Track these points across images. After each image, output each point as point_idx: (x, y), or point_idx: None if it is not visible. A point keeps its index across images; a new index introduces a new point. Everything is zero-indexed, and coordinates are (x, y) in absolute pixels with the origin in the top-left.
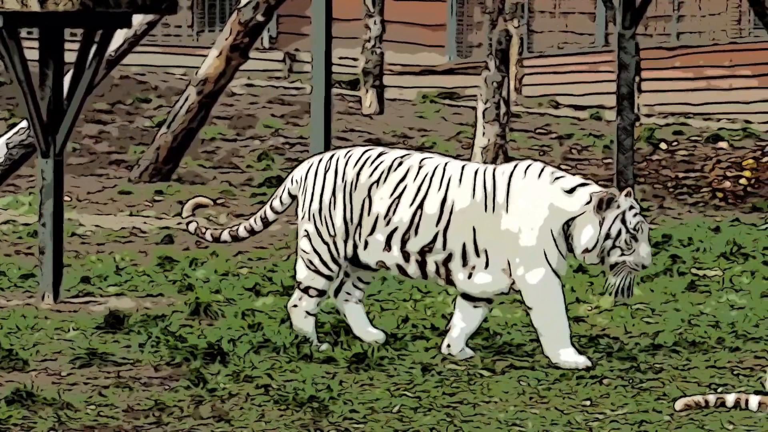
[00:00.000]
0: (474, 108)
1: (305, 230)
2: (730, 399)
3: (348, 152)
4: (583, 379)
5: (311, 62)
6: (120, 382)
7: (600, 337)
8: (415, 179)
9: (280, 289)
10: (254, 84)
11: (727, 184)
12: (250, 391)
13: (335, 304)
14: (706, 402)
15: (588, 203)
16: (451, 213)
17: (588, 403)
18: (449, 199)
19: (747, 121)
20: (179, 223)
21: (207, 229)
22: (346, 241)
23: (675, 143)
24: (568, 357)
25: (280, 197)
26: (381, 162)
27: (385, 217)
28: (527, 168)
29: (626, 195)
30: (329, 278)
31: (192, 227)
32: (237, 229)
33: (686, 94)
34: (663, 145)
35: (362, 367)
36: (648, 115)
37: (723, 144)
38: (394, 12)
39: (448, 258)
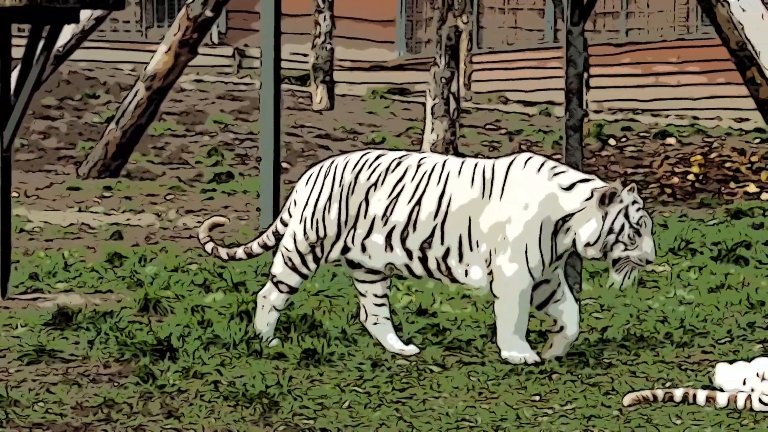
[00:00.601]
0: (423, 104)
1: (293, 231)
2: (678, 394)
3: (346, 158)
4: (532, 374)
5: (260, 58)
6: (68, 379)
7: (549, 332)
8: (413, 178)
9: (230, 285)
10: (203, 80)
11: (675, 179)
12: (200, 387)
13: (365, 327)
14: (654, 397)
15: (588, 199)
16: (449, 205)
17: (537, 398)
18: (447, 192)
19: (695, 117)
20: (129, 220)
21: (223, 248)
22: (334, 244)
23: (624, 139)
24: (517, 352)
25: (288, 209)
26: (379, 164)
27: (383, 217)
28: (527, 160)
29: (629, 190)
30: (304, 277)
31: (209, 248)
32: (251, 246)
33: (635, 90)
34: (612, 141)
35: (312, 362)
36: (597, 111)
37: (671, 140)
38: (343, 8)
39: (446, 253)
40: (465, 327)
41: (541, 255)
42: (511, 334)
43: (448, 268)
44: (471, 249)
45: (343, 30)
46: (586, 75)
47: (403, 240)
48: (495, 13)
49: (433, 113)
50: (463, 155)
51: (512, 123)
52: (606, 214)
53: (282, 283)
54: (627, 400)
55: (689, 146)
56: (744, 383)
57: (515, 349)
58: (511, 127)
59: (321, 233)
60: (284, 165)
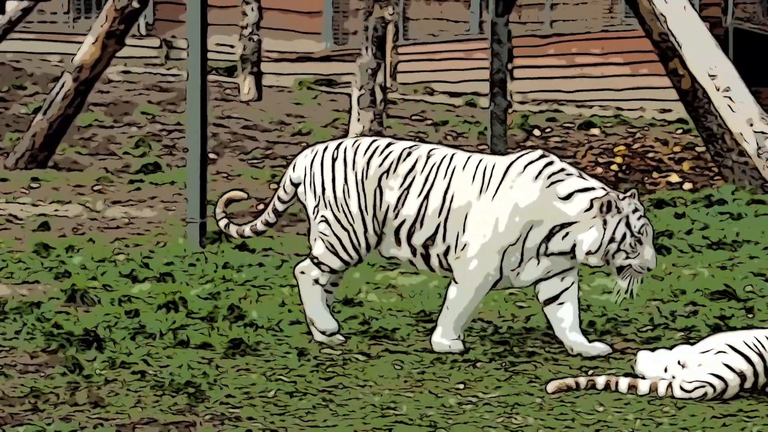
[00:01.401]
0: (350, 95)
1: (323, 216)
2: (600, 381)
3: (355, 141)
4: (456, 362)
5: (187, 49)
6: None
7: (473, 321)
8: (422, 170)
9: (157, 275)
10: (131, 71)
11: (599, 170)
12: (127, 377)
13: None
14: (577, 384)
15: (588, 210)
16: (451, 203)
17: (462, 386)
18: (451, 189)
19: (619, 108)
20: (56, 210)
21: (233, 226)
22: (366, 233)
23: (548, 130)
24: (447, 341)
25: (284, 186)
26: (390, 152)
27: (394, 210)
28: (528, 164)
29: (630, 197)
30: (346, 263)
31: (222, 224)
32: (256, 224)
33: (559, 81)
34: (536, 132)
35: (238, 352)
36: (522, 102)
37: (595, 131)
38: None
39: (447, 251)
40: (390, 316)
41: (521, 256)
42: (451, 321)
43: (449, 265)
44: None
45: (270, 21)
46: (510, 66)
47: (410, 236)
48: (421, 4)
49: (359, 104)
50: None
51: (438, 114)
52: (606, 222)
53: (323, 264)
54: (550, 387)
55: (613, 137)
56: (665, 371)
57: (446, 337)
58: (437, 118)
59: (350, 220)
60: (211, 156)
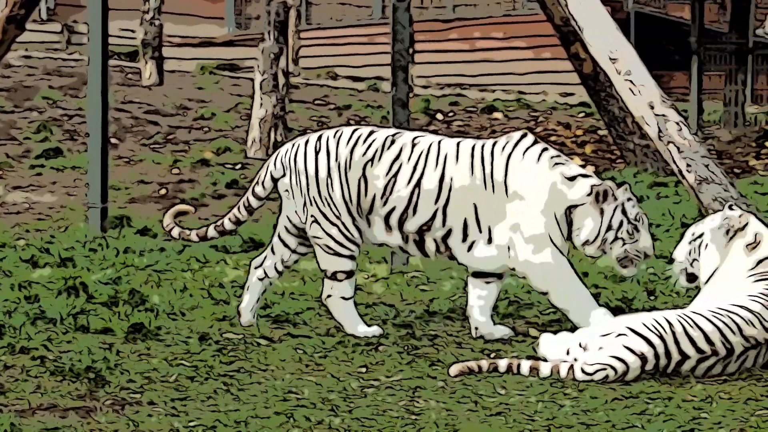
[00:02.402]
0: (252, 79)
1: (312, 216)
2: (502, 364)
3: (337, 132)
4: (359, 346)
5: (88, 34)
6: None
7: (376, 304)
8: (409, 158)
9: (58, 260)
10: (32, 56)
11: None
12: (26, 362)
13: (250, 274)
14: (480, 367)
15: (589, 194)
16: (450, 190)
17: (364, 369)
18: (447, 176)
19: (521, 92)
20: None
21: (191, 230)
22: (353, 222)
23: (451, 114)
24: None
25: (263, 182)
26: (373, 140)
27: (382, 197)
28: (527, 149)
29: (624, 185)
30: (351, 258)
31: (176, 233)
32: (222, 223)
33: (462, 65)
34: (439, 116)
35: (139, 337)
36: (425, 87)
37: (498, 114)
38: None
39: (447, 235)
40: (292, 300)
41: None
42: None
43: (448, 248)
44: (480, 231)
45: (172, 6)
46: (412, 50)
47: (401, 223)
48: None
49: (262, 89)
50: (291, 130)
51: (341, 98)
52: (603, 211)
53: (336, 273)
54: (452, 371)
55: (515, 120)
56: (567, 353)
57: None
58: (339, 102)
59: (336, 212)
60: (113, 141)
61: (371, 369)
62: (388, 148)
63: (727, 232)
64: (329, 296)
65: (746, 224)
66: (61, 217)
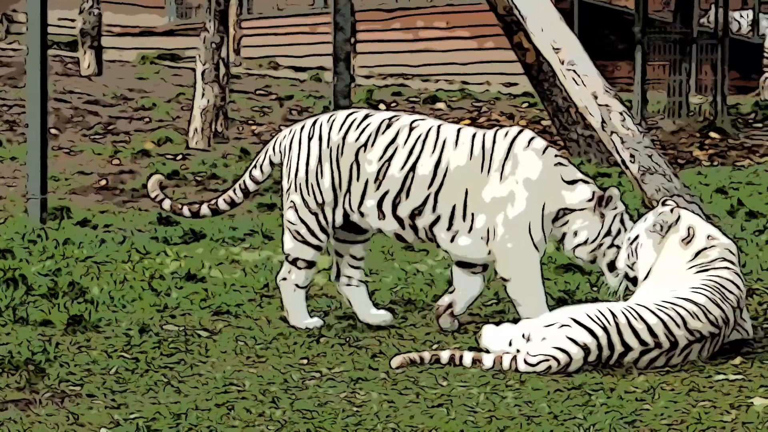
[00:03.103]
0: (194, 69)
1: (291, 201)
2: (444, 355)
3: (331, 117)
4: (300, 338)
5: (27, 23)
6: None
7: (318, 296)
8: (406, 142)
9: None
10: None
11: None
12: None
13: (338, 289)
14: (421, 359)
15: (590, 200)
16: (445, 175)
17: (305, 361)
18: (444, 161)
19: (464, 82)
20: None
21: (183, 205)
22: (335, 209)
23: (394, 104)
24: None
25: (261, 166)
26: (368, 124)
27: (375, 182)
28: (532, 138)
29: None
30: (318, 248)
31: (166, 204)
32: (216, 202)
33: (405, 55)
34: (382, 106)
35: (79, 329)
36: (367, 77)
37: (441, 105)
38: None
39: (435, 222)
40: (234, 292)
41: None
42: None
43: (433, 235)
44: (464, 219)
45: None
46: (354, 40)
47: (395, 207)
48: None
49: (203, 79)
50: (233, 120)
51: (283, 88)
52: (603, 216)
53: (297, 259)
54: (394, 362)
55: (458, 111)
56: (510, 344)
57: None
58: (281, 93)
59: (319, 199)
60: (53, 131)
61: (312, 361)
62: (383, 132)
63: (661, 228)
64: (284, 279)
65: (678, 218)
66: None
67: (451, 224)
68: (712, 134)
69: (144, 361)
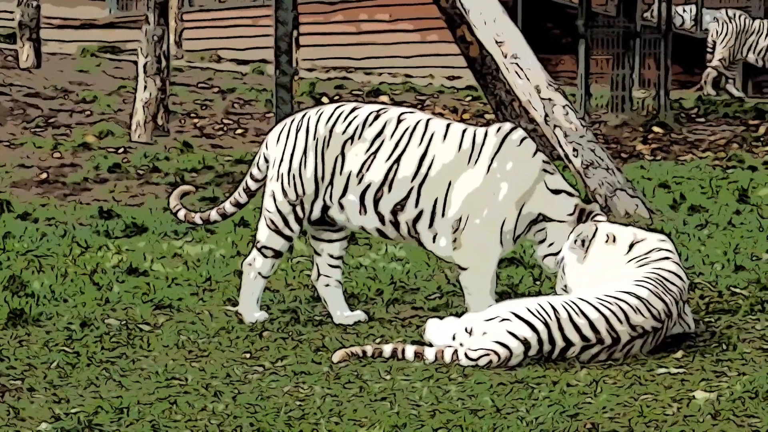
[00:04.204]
0: (135, 62)
1: (271, 190)
2: (387, 349)
3: (319, 110)
4: (243, 332)
5: None
6: None
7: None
8: (392, 135)
9: None
10: None
11: None
12: None
13: (318, 289)
14: (364, 353)
15: (571, 214)
16: (429, 169)
17: (248, 355)
18: (429, 155)
19: (407, 76)
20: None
21: (195, 213)
22: (314, 202)
23: (337, 97)
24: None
25: (257, 164)
26: (355, 117)
27: (358, 175)
28: (524, 139)
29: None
30: (289, 239)
31: (182, 215)
32: (224, 206)
33: (347, 48)
34: (325, 99)
35: (20, 323)
36: (310, 70)
37: (384, 98)
38: None
39: (417, 218)
40: (176, 285)
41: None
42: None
43: (417, 234)
44: (443, 216)
45: None
46: (296, 33)
47: (376, 202)
48: None
49: (145, 72)
50: (174, 113)
51: (225, 81)
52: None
53: (266, 248)
54: (337, 356)
55: (402, 104)
56: (453, 338)
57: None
58: (224, 86)
59: (299, 191)
60: None
61: (255, 355)
62: (371, 124)
63: (582, 243)
64: (250, 264)
65: (596, 230)
66: None
67: (432, 221)
68: (655, 128)
69: (85, 356)
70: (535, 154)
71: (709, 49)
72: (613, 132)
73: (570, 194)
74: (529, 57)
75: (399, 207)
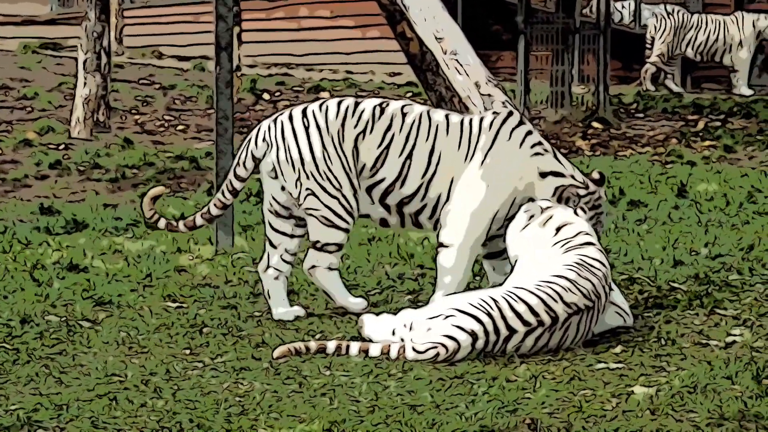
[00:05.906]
0: (76, 58)
1: (308, 188)
2: (331, 345)
3: (322, 105)
4: (183, 328)
5: None
6: None
7: (202, 286)
8: (401, 129)
9: None
10: None
11: None
12: None
13: (262, 278)
14: (307, 348)
15: (552, 196)
16: (438, 165)
17: (188, 351)
18: (437, 150)
19: (348, 72)
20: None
21: (178, 220)
22: (354, 194)
23: (278, 94)
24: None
25: (244, 163)
26: (363, 110)
27: (371, 169)
28: (513, 129)
29: (593, 190)
30: (346, 231)
31: (162, 224)
32: (208, 209)
33: (288, 44)
34: (266, 96)
35: None
36: (251, 66)
37: (325, 94)
38: None
39: (420, 210)
40: (116, 282)
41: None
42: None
43: (419, 224)
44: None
45: None
46: (238, 29)
47: (386, 194)
48: None
49: (85, 68)
50: (115, 110)
51: (166, 78)
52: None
53: (327, 244)
54: (277, 352)
55: None
56: (393, 334)
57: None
58: (165, 82)
59: (335, 183)
60: None
61: (195, 351)
62: (379, 118)
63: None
64: (313, 267)
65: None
66: None
67: (434, 213)
68: (595, 124)
69: (25, 352)
70: (523, 142)
71: (648, 45)
72: (552, 128)
73: (556, 174)
74: (468, 53)
75: (406, 200)
